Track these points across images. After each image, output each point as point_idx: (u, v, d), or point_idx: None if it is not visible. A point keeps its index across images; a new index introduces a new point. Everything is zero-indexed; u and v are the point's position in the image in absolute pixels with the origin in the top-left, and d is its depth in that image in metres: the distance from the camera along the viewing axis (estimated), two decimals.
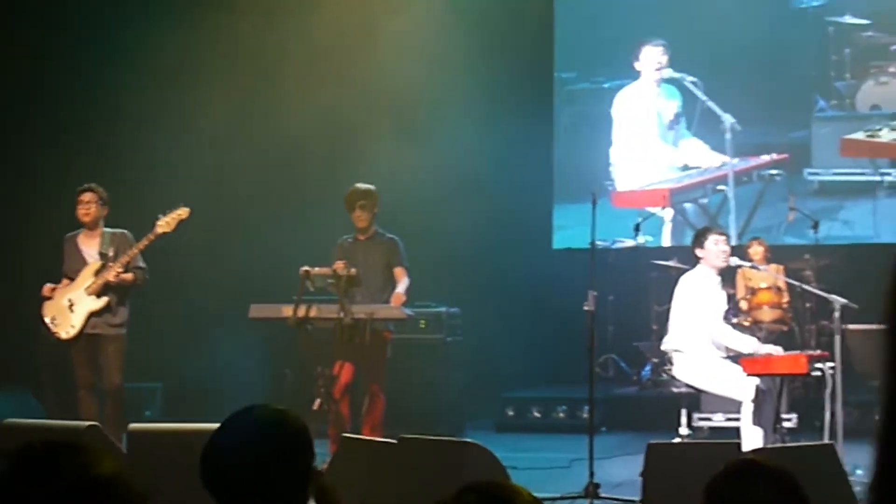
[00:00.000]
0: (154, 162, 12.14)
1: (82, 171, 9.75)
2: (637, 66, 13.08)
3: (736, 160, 12.81)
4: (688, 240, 12.34)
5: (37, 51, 12.34)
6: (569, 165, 13.28)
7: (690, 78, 12.88)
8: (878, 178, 12.44)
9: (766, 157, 12.77)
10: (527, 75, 13.17)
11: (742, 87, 12.75)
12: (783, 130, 12.76)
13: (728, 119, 12.71)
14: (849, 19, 12.66)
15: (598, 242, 8.65)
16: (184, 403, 10.86)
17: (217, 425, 2.65)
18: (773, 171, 12.73)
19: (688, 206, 12.96)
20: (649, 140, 13.16)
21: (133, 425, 6.66)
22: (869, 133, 12.48)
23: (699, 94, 12.83)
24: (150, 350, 10.57)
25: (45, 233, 10.21)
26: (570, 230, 12.85)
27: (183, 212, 8.82)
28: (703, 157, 12.98)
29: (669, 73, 12.97)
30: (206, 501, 2.59)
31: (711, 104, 12.77)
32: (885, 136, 12.44)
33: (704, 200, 12.94)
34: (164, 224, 8.74)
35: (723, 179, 12.87)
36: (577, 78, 13.43)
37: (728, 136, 12.75)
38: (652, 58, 13.02)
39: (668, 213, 12.81)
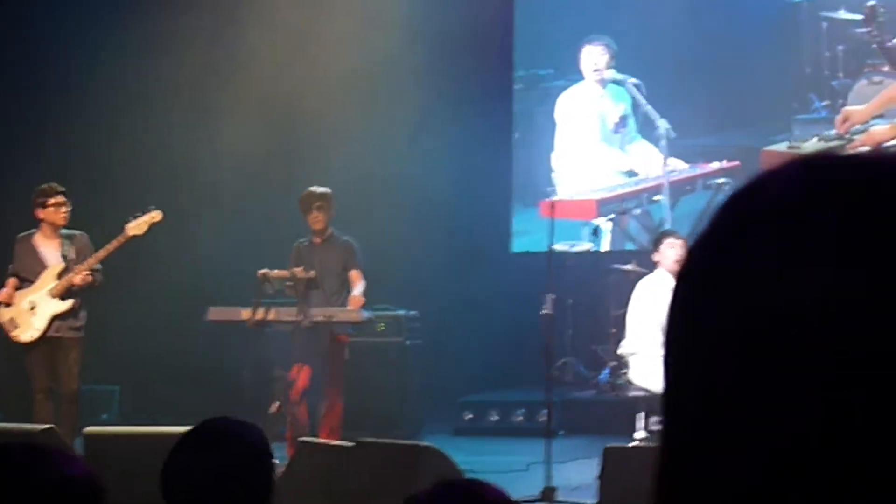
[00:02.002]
0: (108, 165, 12.05)
1: (30, 172, 9.63)
2: (580, 66, 12.63)
3: (687, 166, 12.29)
4: (628, 247, 12.28)
5: None
6: (529, 169, 13.24)
7: (633, 80, 12.26)
8: None
9: (715, 165, 12.22)
10: (486, 77, 13.12)
11: (721, 88, 12.28)
12: (761, 133, 12.15)
13: (663, 125, 12.00)
14: (843, 14, 11.98)
15: (558, 246, 8.64)
16: (141, 407, 10.79)
17: (174, 429, 2.65)
18: (721, 180, 12.05)
19: (631, 214, 12.38)
20: (591, 144, 12.68)
21: (89, 428, 6.63)
22: (791, 145, 11.79)
23: (639, 96, 12.21)
24: (107, 352, 10.50)
25: None
26: (529, 235, 12.79)
27: (156, 214, 8.72)
28: (652, 163, 12.42)
29: (612, 73, 12.42)
30: None
31: (649, 108, 12.12)
32: (810, 147, 11.46)
33: (637, 211, 12.36)
34: (135, 227, 8.64)
35: (659, 189, 12.26)
36: (555, 75, 13.09)
37: (663, 142, 12.12)
38: (590, 58, 12.51)
39: (607, 224, 12.30)
